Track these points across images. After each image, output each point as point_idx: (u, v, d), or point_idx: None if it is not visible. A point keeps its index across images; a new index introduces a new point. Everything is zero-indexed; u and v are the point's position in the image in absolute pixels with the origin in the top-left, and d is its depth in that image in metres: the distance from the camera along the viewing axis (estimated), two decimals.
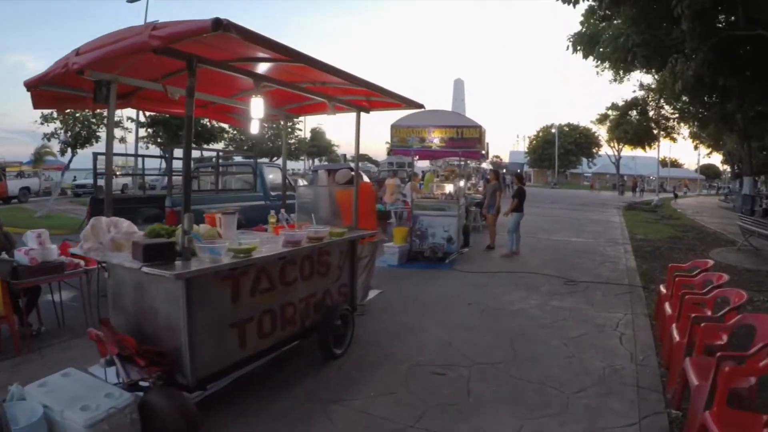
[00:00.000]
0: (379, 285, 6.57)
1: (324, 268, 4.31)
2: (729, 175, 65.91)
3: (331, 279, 4.43)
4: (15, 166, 27.52)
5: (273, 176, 9.38)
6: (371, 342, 4.57)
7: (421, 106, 4.80)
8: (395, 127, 8.98)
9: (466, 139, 8.64)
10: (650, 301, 6.14)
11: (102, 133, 20.64)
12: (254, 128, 4.67)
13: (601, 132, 58.88)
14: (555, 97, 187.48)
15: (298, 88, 4.27)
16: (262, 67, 3.88)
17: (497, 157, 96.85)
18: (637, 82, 17.56)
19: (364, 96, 4.77)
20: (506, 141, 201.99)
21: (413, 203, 8.61)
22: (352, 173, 5.40)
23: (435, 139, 8.83)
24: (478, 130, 8.84)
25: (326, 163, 60.09)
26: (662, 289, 5.24)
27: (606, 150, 63.02)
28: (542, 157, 61.38)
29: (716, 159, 55.23)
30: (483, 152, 10.97)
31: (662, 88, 8.25)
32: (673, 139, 20.43)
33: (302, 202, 5.35)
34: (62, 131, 18.06)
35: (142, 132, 23.12)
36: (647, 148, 23.82)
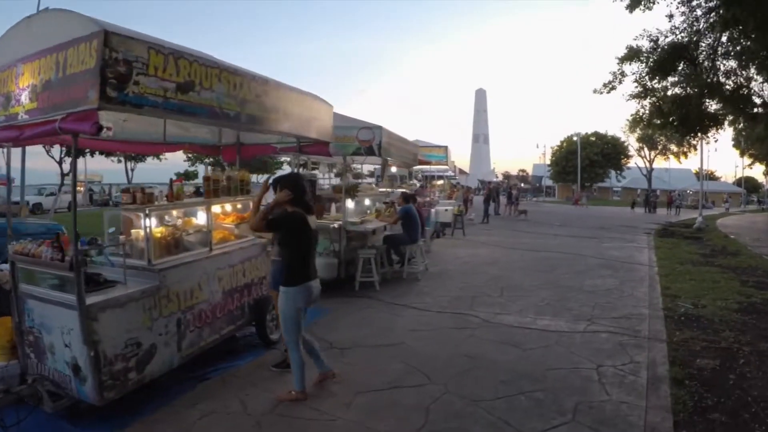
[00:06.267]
0: None
1: None
2: None
3: None
4: None
5: None
6: None
7: None
8: None
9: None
10: None
11: None
12: None
13: (631, 140, 52.05)
14: (582, 106, 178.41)
15: None
16: None
17: (523, 171, 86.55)
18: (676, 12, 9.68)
19: None
20: (532, 154, 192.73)
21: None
22: None
23: (24, 93, 2.78)
24: (147, 49, 2.59)
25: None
26: None
27: (637, 161, 56.05)
28: (566, 169, 54.63)
29: (757, 171, 47.33)
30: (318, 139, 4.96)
31: None
32: (751, 115, 12.42)
33: None
34: None
35: None
36: (689, 150, 15.48)
